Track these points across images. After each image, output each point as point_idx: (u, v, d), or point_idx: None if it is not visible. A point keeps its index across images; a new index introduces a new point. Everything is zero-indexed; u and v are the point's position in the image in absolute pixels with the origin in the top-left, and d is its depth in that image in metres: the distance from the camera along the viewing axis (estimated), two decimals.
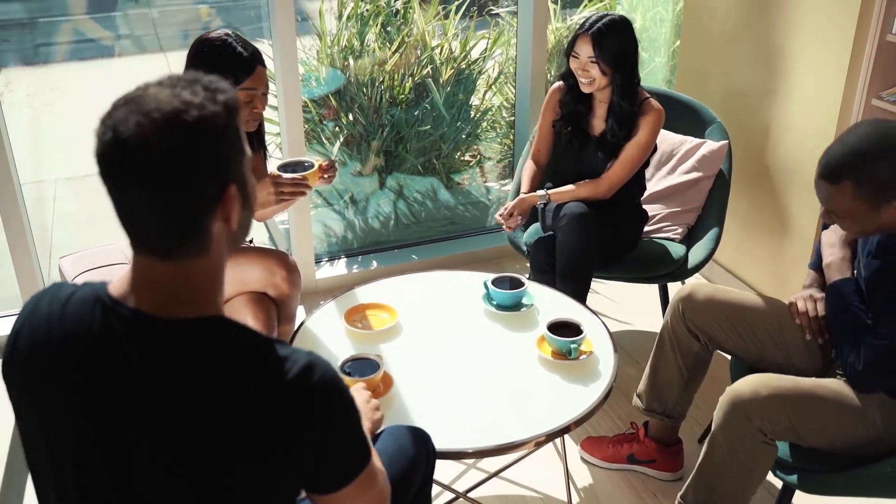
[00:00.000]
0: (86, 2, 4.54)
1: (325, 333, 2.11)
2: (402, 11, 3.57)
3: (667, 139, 2.89)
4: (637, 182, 2.66)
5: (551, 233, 2.55)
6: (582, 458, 2.38)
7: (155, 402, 1.01)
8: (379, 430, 1.55)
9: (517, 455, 2.19)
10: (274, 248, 2.77)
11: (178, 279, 1.03)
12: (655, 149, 2.64)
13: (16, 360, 1.11)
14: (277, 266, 2.25)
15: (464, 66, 3.68)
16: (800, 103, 2.76)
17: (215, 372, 1.01)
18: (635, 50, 2.48)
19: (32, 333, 1.09)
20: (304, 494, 1.12)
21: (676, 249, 2.66)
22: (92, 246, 2.60)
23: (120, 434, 1.03)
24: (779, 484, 1.93)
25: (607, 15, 2.44)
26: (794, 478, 1.82)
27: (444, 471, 2.30)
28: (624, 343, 2.89)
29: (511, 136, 3.73)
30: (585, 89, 2.50)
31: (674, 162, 2.88)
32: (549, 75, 3.64)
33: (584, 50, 2.43)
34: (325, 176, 2.27)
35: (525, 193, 2.61)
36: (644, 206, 2.75)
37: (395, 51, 3.50)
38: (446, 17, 3.65)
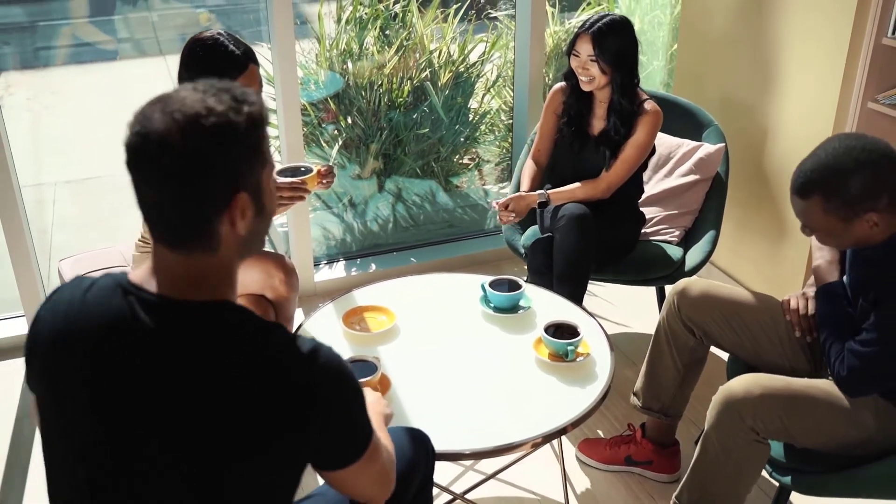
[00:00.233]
0: (86, 5, 4.56)
1: (323, 336, 2.12)
2: (401, 15, 3.59)
3: (664, 142, 2.90)
4: (635, 184, 2.67)
5: (548, 235, 2.56)
6: (579, 460, 2.39)
7: (165, 385, 1.05)
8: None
9: (514, 456, 2.20)
10: (272, 250, 2.78)
11: (188, 270, 1.08)
12: (654, 150, 2.65)
13: (36, 347, 1.15)
14: (275, 268, 2.26)
15: (462, 69, 3.69)
16: (796, 106, 2.77)
17: (221, 354, 1.06)
18: (635, 50, 2.50)
19: (54, 319, 1.14)
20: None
21: (673, 252, 2.67)
22: (91, 249, 2.61)
23: (127, 418, 1.07)
24: (775, 484, 1.94)
25: (608, 15, 2.47)
26: (788, 478, 1.83)
27: (441, 472, 2.31)
28: (621, 345, 2.90)
29: (509, 139, 3.74)
30: (585, 88, 2.52)
31: (671, 165, 2.89)
32: (547, 79, 3.65)
33: (585, 48, 2.45)
34: (324, 181, 2.29)
35: (525, 192, 2.62)
36: (641, 209, 2.76)
37: (394, 54, 3.51)
38: (445, 20, 3.66)
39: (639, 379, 2.27)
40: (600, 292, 3.22)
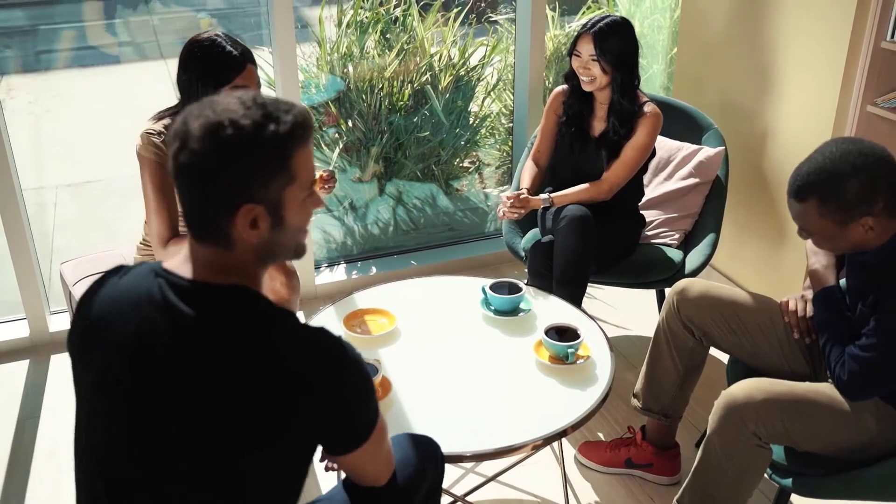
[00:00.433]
0: (87, 9, 4.57)
1: None
2: (402, 19, 3.59)
3: (664, 145, 2.91)
4: (636, 187, 2.68)
5: (549, 237, 2.56)
6: (579, 463, 2.39)
7: (182, 366, 1.10)
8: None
9: (515, 459, 2.20)
10: None
11: (210, 261, 1.15)
12: (654, 153, 2.66)
13: (78, 331, 1.21)
14: (276, 271, 2.26)
15: (462, 72, 3.70)
16: (795, 110, 2.78)
17: (230, 336, 1.10)
18: (636, 50, 2.52)
19: (90, 305, 1.19)
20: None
21: (673, 255, 2.67)
22: (92, 252, 2.62)
23: (150, 399, 1.12)
24: (775, 487, 1.94)
25: (609, 16, 2.50)
26: (788, 481, 1.83)
27: None
28: (621, 348, 2.91)
29: (509, 143, 3.75)
30: (587, 87, 2.54)
31: (671, 168, 2.90)
32: (547, 82, 3.66)
33: (586, 48, 2.47)
34: (326, 186, 2.29)
35: (526, 189, 2.63)
36: (642, 212, 2.77)
37: (395, 58, 3.52)
38: (445, 24, 3.67)
39: (639, 380, 2.28)
40: (601, 295, 3.22)
